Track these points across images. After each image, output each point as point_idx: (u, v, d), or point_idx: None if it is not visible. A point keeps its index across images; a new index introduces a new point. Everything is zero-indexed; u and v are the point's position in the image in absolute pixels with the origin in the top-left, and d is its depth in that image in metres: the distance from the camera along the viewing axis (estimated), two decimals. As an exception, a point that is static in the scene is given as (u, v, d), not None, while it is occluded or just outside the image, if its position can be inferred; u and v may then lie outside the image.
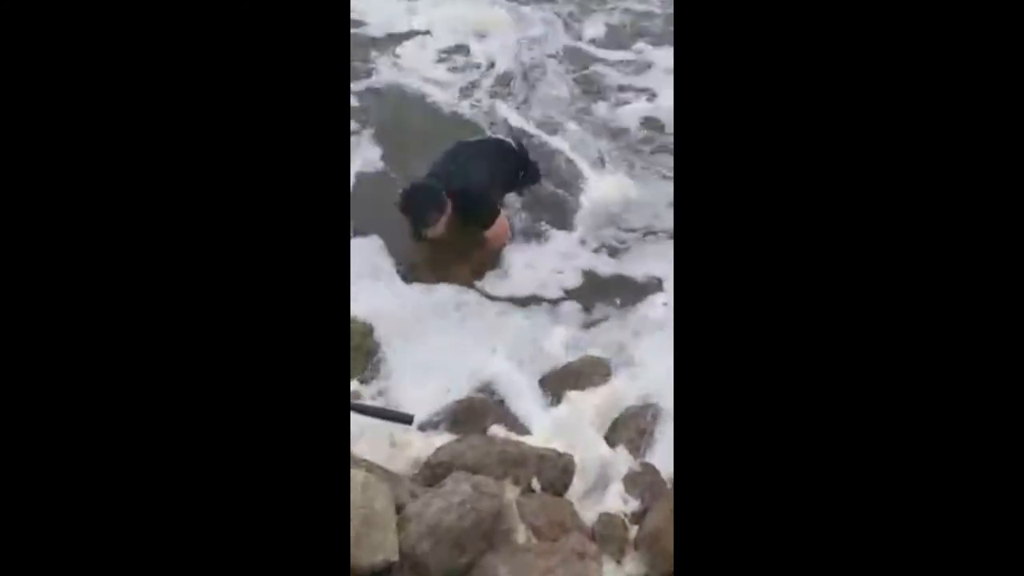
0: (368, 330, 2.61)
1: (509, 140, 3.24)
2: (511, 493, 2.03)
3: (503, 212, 2.95)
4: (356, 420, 2.05)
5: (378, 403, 2.32)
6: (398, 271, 2.85)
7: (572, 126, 3.74)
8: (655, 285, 2.90)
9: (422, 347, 2.54)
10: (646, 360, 2.55)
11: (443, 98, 3.92)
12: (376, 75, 4.05)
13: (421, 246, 2.91)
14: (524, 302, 2.81)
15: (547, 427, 2.34)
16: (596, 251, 3.06)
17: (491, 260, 2.94)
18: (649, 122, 3.83)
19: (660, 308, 2.77)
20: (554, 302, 2.84)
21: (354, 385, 2.42)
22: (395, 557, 1.68)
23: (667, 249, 3.00)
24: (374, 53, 4.20)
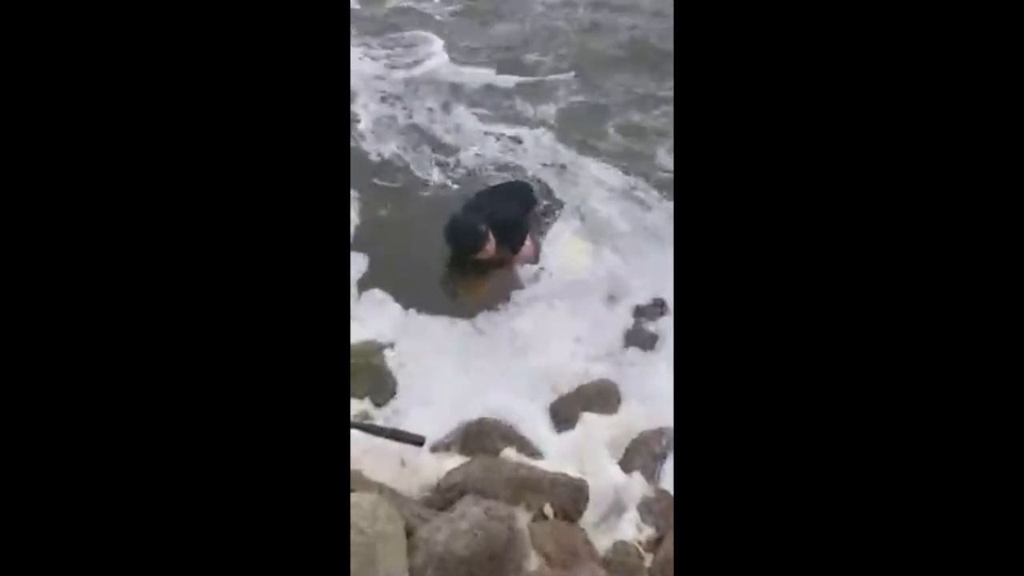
0: (378, 349, 2.59)
1: (527, 181, 3.54)
2: (523, 519, 1.99)
3: (530, 238, 3.18)
4: (367, 441, 2.02)
5: (389, 424, 2.29)
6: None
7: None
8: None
9: (434, 368, 2.51)
10: (660, 384, 2.50)
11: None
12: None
13: (452, 273, 3.07)
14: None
15: (560, 451, 2.30)
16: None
17: (516, 280, 3.06)
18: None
19: (671, 332, 2.73)
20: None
21: (364, 406, 2.39)
22: (403, 583, 1.64)
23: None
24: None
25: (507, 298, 2.93)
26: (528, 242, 3.14)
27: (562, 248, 3.17)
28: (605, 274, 3.04)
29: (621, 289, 2.97)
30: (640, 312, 2.89)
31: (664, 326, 2.81)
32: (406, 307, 2.83)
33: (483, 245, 2.94)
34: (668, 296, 2.89)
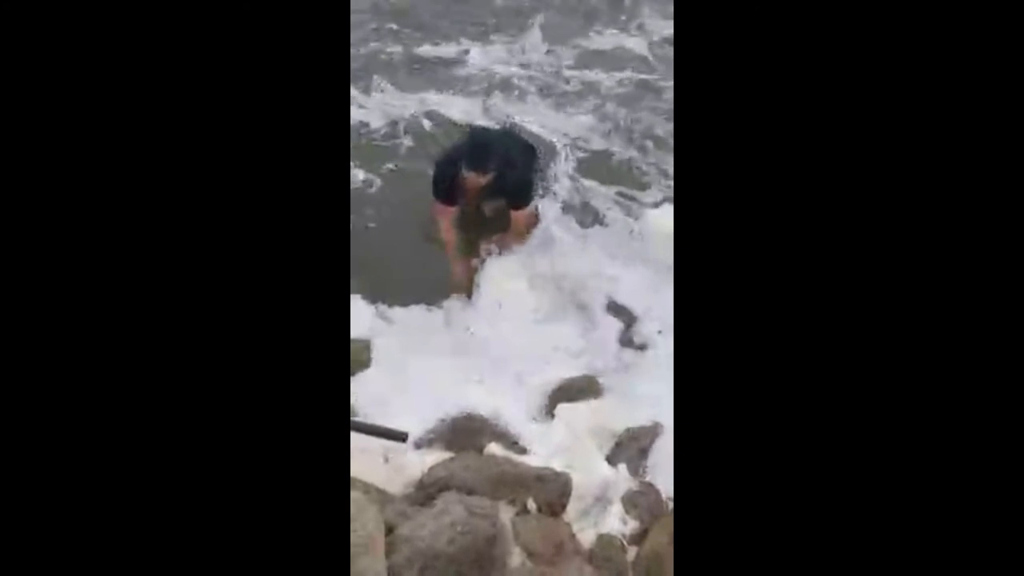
0: (365, 346, 2.57)
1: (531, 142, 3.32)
2: (506, 514, 1.98)
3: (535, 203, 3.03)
4: (351, 438, 2.01)
5: (372, 420, 2.28)
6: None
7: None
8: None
9: (416, 364, 2.50)
10: (646, 378, 2.50)
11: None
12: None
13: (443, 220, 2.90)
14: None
15: (545, 446, 2.29)
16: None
17: (516, 241, 2.96)
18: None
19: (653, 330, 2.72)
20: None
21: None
22: (384, 581, 1.64)
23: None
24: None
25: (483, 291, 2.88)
26: (531, 207, 2.97)
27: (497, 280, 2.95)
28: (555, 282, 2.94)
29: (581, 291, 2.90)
30: (614, 310, 2.86)
31: (644, 323, 2.79)
32: (384, 303, 2.78)
33: (486, 170, 2.64)
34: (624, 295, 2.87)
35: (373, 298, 2.76)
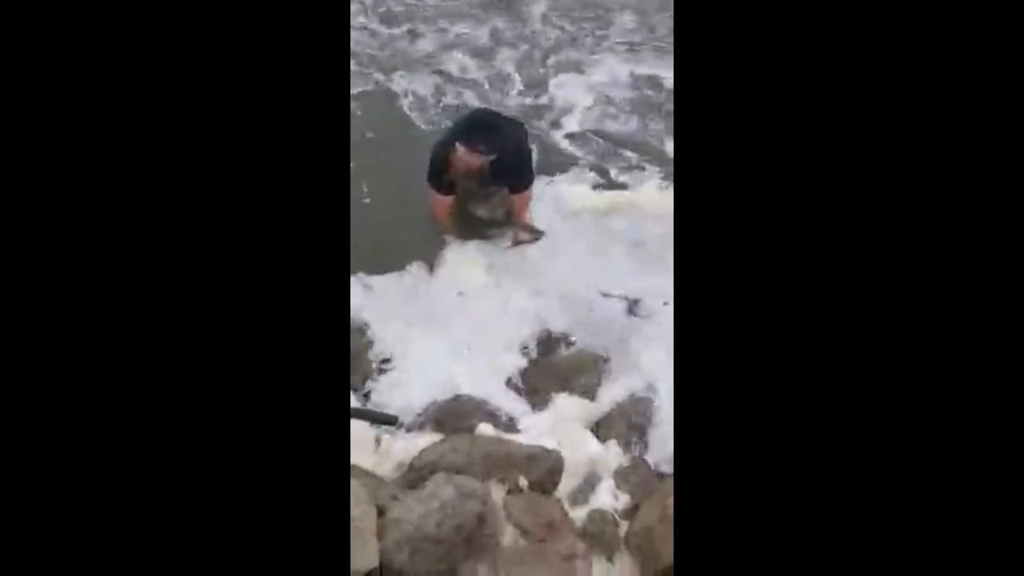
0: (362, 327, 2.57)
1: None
2: (497, 494, 2.00)
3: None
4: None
5: (364, 404, 2.31)
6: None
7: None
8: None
9: (406, 345, 2.51)
10: (637, 354, 2.50)
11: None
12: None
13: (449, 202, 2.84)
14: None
15: (536, 424, 2.31)
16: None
17: (522, 227, 2.91)
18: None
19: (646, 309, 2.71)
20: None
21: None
22: (375, 564, 1.67)
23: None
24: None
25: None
26: (528, 192, 2.89)
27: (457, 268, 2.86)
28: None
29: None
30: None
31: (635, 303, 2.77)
32: (372, 284, 2.74)
33: (480, 150, 2.57)
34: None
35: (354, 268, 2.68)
